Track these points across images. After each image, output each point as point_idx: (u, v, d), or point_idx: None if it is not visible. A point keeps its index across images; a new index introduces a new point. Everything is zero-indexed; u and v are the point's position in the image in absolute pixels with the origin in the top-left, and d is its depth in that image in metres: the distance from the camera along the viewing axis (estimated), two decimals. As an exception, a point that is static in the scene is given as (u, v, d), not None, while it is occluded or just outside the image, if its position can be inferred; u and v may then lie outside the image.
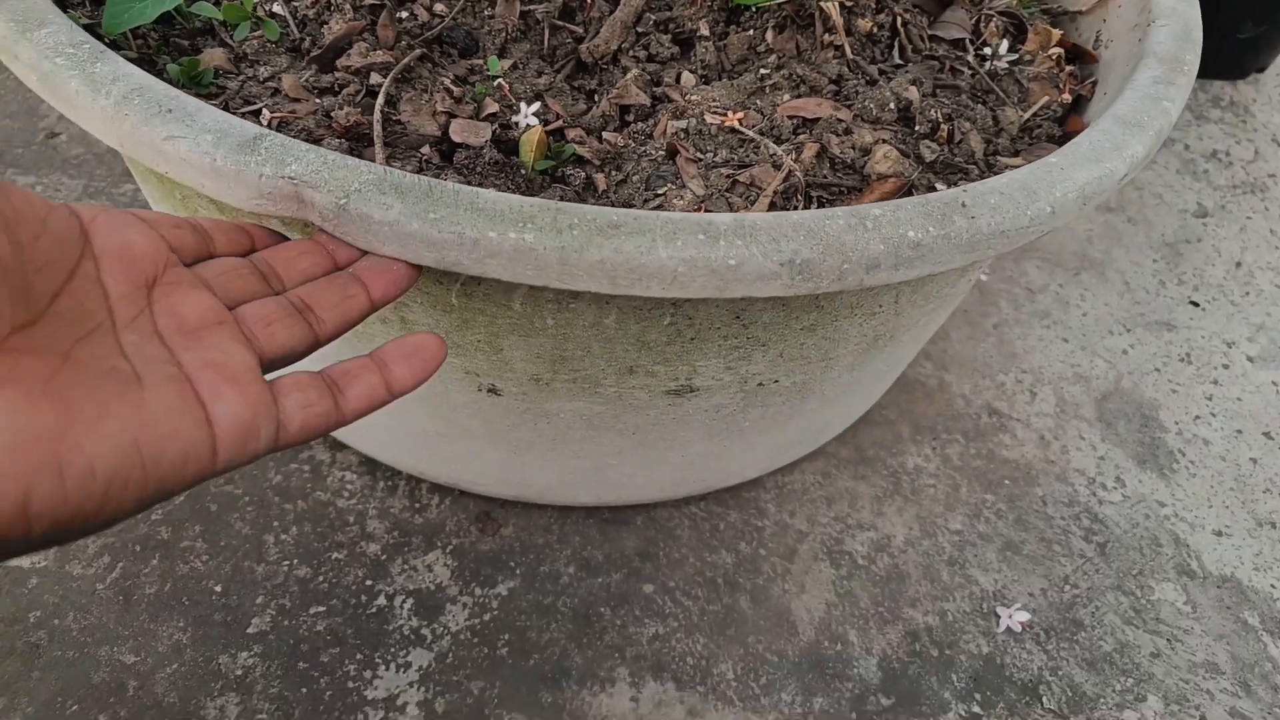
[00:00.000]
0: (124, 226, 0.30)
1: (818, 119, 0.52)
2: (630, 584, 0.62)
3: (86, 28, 0.46)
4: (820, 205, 0.49)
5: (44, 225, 0.25)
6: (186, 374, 0.28)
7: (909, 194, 0.50)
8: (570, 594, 0.61)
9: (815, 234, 0.38)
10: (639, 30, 0.60)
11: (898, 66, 0.58)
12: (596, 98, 0.56)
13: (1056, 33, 0.61)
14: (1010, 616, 0.65)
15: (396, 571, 0.60)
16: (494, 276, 0.36)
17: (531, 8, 0.58)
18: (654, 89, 0.56)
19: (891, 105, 0.53)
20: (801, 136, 0.52)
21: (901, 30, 0.59)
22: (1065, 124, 0.58)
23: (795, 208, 0.47)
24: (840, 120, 0.52)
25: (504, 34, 0.56)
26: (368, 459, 0.66)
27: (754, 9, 0.59)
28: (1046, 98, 0.58)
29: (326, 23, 0.52)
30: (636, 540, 0.65)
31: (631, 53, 0.58)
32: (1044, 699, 0.61)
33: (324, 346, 0.34)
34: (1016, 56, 0.61)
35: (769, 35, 0.59)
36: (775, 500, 0.69)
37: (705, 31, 0.60)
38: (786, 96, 0.55)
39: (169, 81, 0.47)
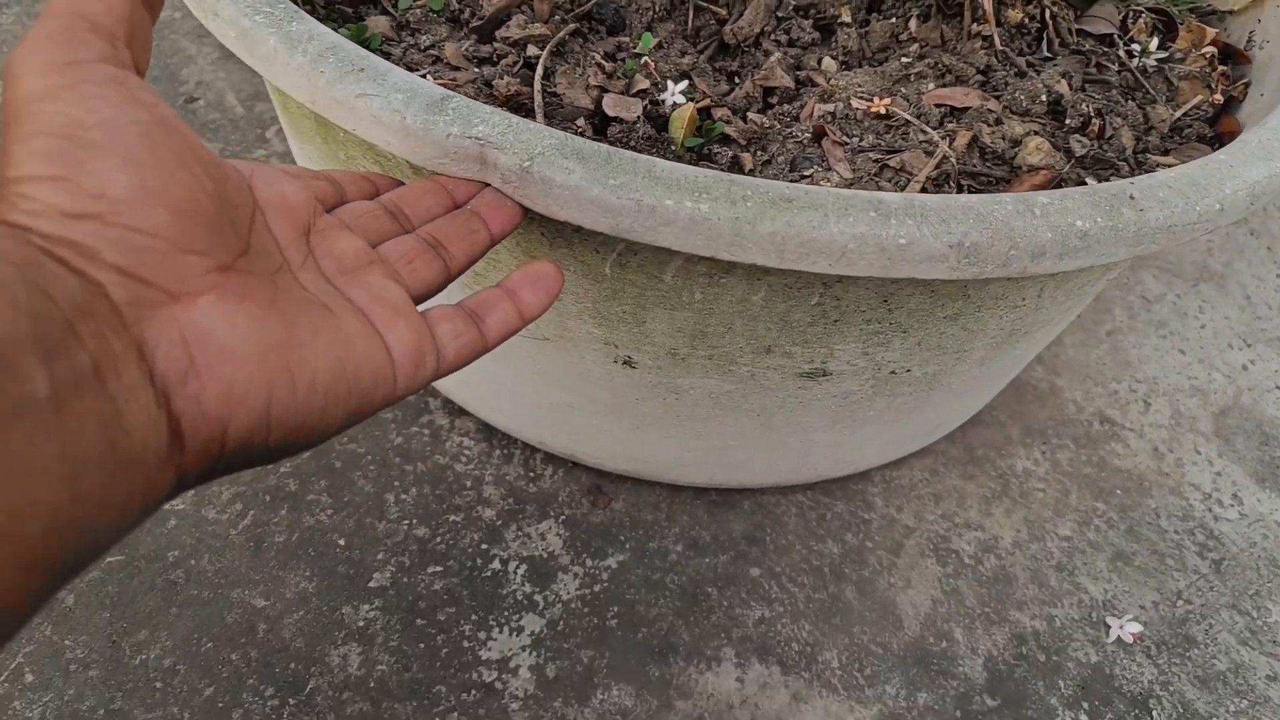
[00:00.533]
0: (277, 179, 0.32)
1: (966, 108, 0.52)
2: (737, 566, 0.63)
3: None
4: (970, 193, 0.48)
5: (225, 174, 0.27)
6: (359, 308, 0.29)
7: (1058, 187, 0.50)
8: (678, 572, 0.62)
9: (984, 218, 0.38)
10: (779, 14, 0.60)
11: (1045, 59, 0.57)
12: (738, 79, 0.57)
13: (1210, 31, 0.59)
14: (1121, 627, 0.64)
15: (511, 538, 0.62)
16: (665, 245, 0.37)
17: (678, -12, 0.58)
18: (797, 73, 0.56)
19: (1042, 98, 0.52)
20: (950, 125, 0.51)
21: (1050, 23, 0.58)
22: (1217, 124, 0.56)
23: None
24: (990, 111, 0.51)
25: (650, 13, 0.57)
26: (484, 425, 0.67)
27: (898, -3, 0.59)
28: (1199, 97, 0.56)
29: (485, -5, 0.53)
30: (744, 524, 0.65)
31: (773, 36, 0.59)
32: (1154, 713, 0.60)
33: (453, 280, 0.35)
34: (1166, 54, 0.59)
35: (912, 24, 0.59)
36: (882, 494, 0.69)
37: (847, 18, 0.60)
38: (931, 85, 0.54)
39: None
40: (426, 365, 0.30)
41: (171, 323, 0.23)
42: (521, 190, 0.36)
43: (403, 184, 0.38)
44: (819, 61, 0.58)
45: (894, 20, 0.59)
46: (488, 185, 0.38)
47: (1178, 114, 0.55)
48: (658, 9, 0.57)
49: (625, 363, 0.51)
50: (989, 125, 0.50)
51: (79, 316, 0.21)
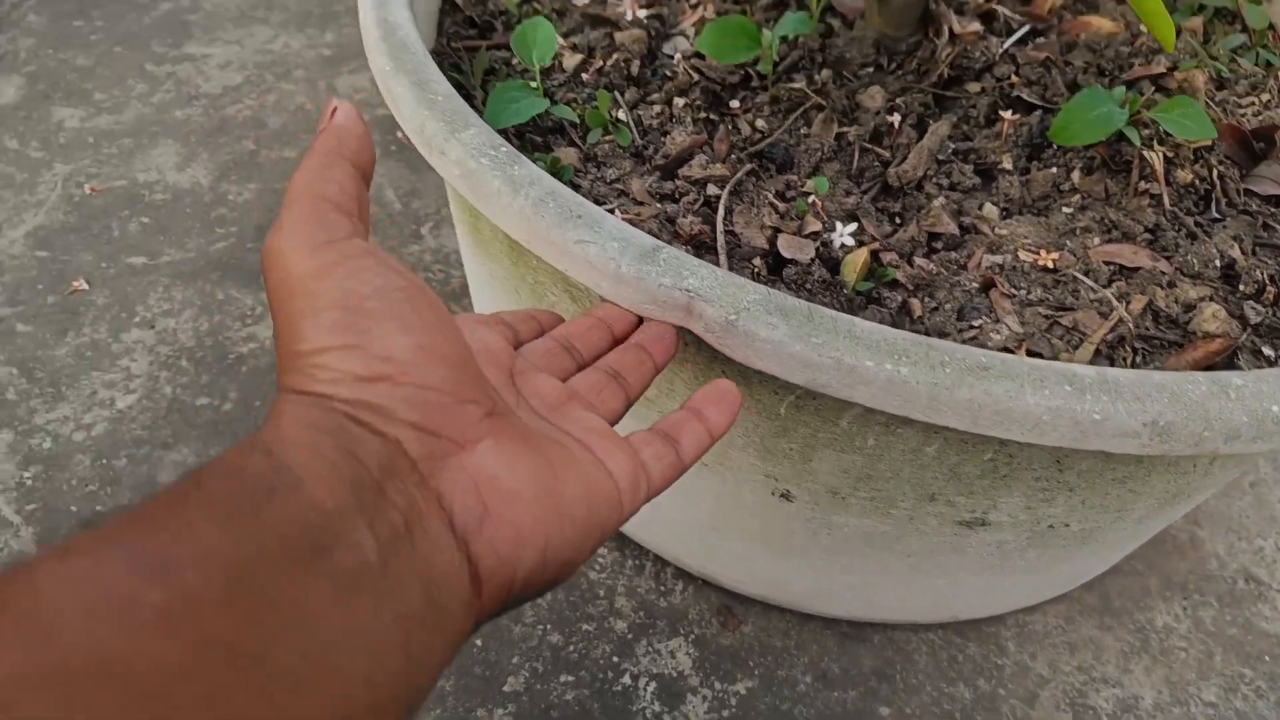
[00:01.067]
0: (475, 327, 0.34)
1: (1137, 268, 0.52)
2: (867, 703, 0.62)
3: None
4: (1142, 358, 0.48)
5: (461, 326, 0.29)
6: (579, 440, 0.31)
7: (1233, 356, 0.49)
8: (807, 704, 0.61)
9: (1179, 398, 0.38)
10: (940, 158, 0.61)
11: (1214, 220, 0.57)
12: (900, 220, 0.58)
13: (1387, 199, 0.59)
14: (1274, 809, 0.60)
15: (641, 652, 0.62)
16: (859, 402, 0.38)
17: (845, 130, 0.61)
18: (960, 218, 0.57)
19: (1215, 262, 0.52)
20: (1118, 284, 0.52)
21: (1218, 183, 0.58)
22: (1397, 296, 0.55)
23: (1123, 359, 0.47)
24: (1163, 273, 0.51)
25: (819, 154, 0.59)
26: (619, 534, 0.68)
27: (1059, 146, 0.60)
28: (1378, 267, 0.55)
29: (668, 132, 0.56)
30: (874, 659, 0.64)
31: (935, 180, 0.60)
32: None
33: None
34: (1340, 220, 0.59)
35: (1075, 175, 0.60)
36: (1016, 639, 0.67)
37: (1008, 165, 0.61)
38: (1097, 240, 0.55)
39: (535, 177, 0.52)
40: (641, 489, 0.31)
41: (461, 471, 0.25)
42: (724, 340, 0.38)
43: (562, 319, 0.41)
44: (980, 207, 0.59)
45: (1055, 170, 0.60)
46: (645, 320, 0.40)
47: (1355, 284, 0.54)
48: (825, 150, 0.59)
49: (783, 495, 0.51)
50: (1162, 288, 0.50)
51: (386, 476, 0.23)
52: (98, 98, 1.06)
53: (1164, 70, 0.63)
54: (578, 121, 0.56)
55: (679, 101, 0.58)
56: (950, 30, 0.67)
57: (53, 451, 0.70)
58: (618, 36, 0.63)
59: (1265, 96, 0.64)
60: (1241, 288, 0.52)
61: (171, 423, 0.73)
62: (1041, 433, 0.38)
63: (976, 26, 0.68)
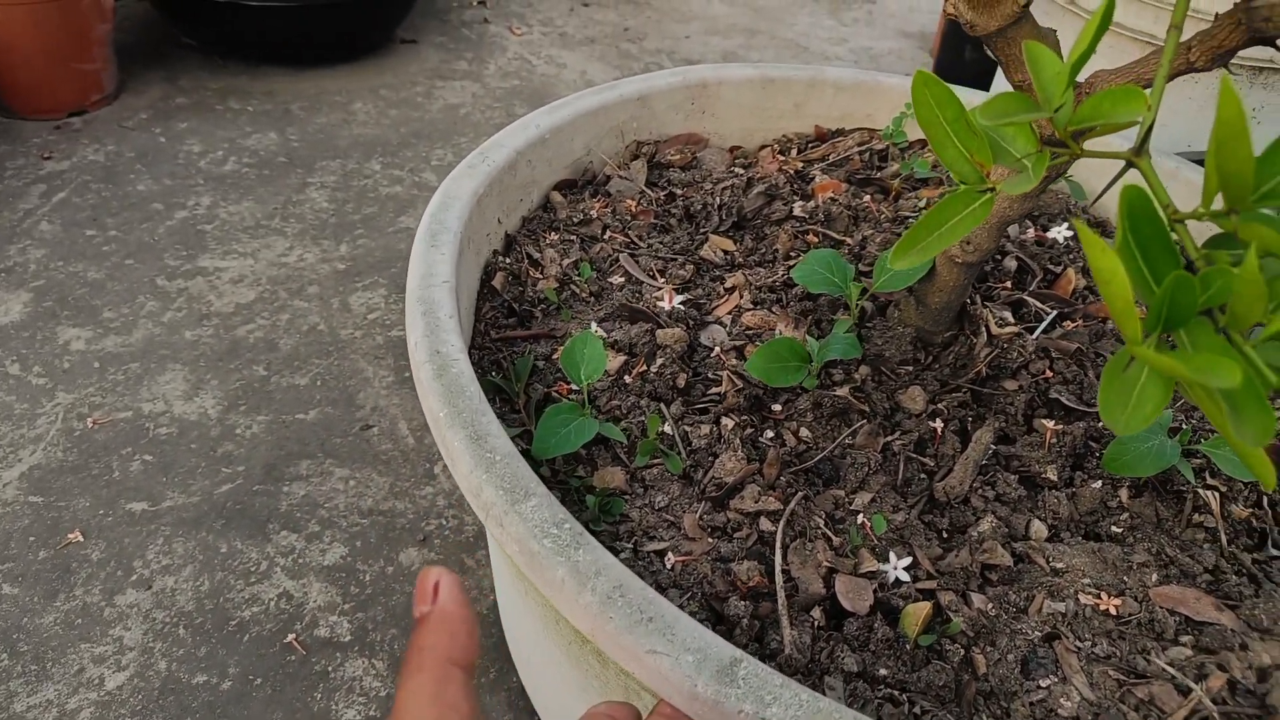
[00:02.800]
0: None
1: (1204, 623, 0.51)
2: None
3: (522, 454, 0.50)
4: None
5: None
6: None
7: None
8: None
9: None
10: (983, 462, 0.61)
11: (1273, 558, 0.56)
12: (948, 536, 0.57)
13: None
14: None
15: None
16: None
17: (889, 439, 0.60)
18: (1012, 543, 0.56)
19: (1284, 614, 0.51)
20: (1186, 641, 0.50)
21: (1273, 523, 0.57)
22: None
23: (1208, 743, 0.45)
24: (1233, 631, 0.50)
25: (866, 468, 0.58)
26: None
27: (1100, 457, 0.60)
28: None
29: (717, 455, 0.55)
30: None
31: (980, 491, 0.59)
32: None
33: None
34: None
35: (1123, 494, 0.59)
36: None
37: (1053, 477, 0.60)
38: (1155, 577, 0.54)
39: (585, 513, 0.50)
40: None
41: None
42: (809, 778, 0.35)
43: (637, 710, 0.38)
44: (1028, 526, 0.58)
45: (1101, 485, 0.60)
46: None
47: None
48: (872, 465, 0.58)
49: None
50: (1234, 651, 0.49)
51: None
52: (106, 315, 1.05)
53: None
54: (625, 442, 0.55)
55: (727, 423, 0.57)
56: (988, 330, 0.68)
57: (32, 743, 0.65)
58: (659, 335, 0.63)
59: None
60: (1312, 642, 0.50)
61: (164, 707, 0.68)
62: None
63: (1012, 326, 0.69)
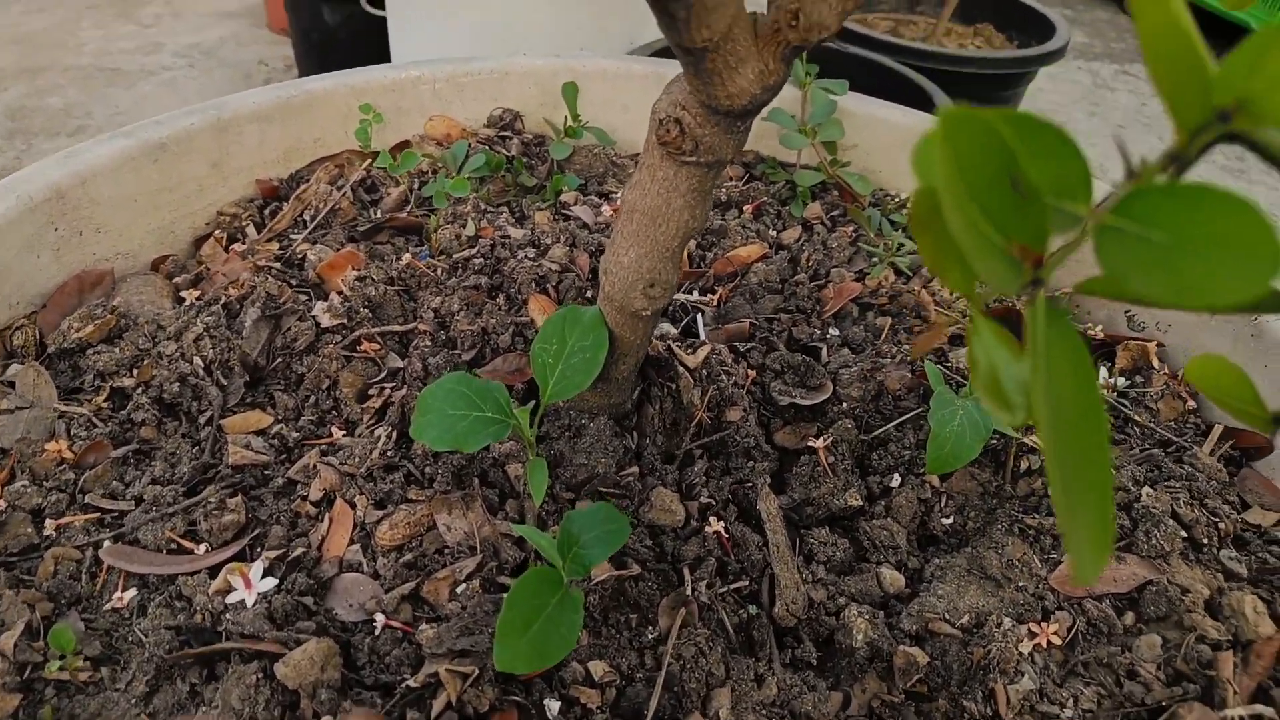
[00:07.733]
0: None
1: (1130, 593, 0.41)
2: None
3: None
4: None
5: None
6: None
7: None
8: None
9: None
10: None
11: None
12: (828, 666, 0.40)
13: None
14: None
15: None
16: None
17: (688, 591, 0.40)
18: (886, 619, 0.41)
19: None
20: (1129, 620, 0.39)
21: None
22: None
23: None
24: (1169, 583, 0.40)
25: (699, 656, 0.38)
26: None
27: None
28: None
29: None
30: None
31: (815, 577, 0.43)
32: None
33: None
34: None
35: (933, 480, 0.47)
36: None
37: (857, 501, 0.46)
38: (1038, 563, 0.43)
39: None
40: None
41: None
42: None
43: None
44: (881, 582, 0.43)
45: (900, 481, 0.47)
46: None
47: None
48: (700, 647, 0.38)
49: None
50: (1189, 611, 0.39)
51: None
52: None
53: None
54: None
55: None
56: (683, 364, 0.50)
57: None
58: (278, 672, 0.34)
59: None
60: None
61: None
62: None
63: (690, 342, 0.51)
